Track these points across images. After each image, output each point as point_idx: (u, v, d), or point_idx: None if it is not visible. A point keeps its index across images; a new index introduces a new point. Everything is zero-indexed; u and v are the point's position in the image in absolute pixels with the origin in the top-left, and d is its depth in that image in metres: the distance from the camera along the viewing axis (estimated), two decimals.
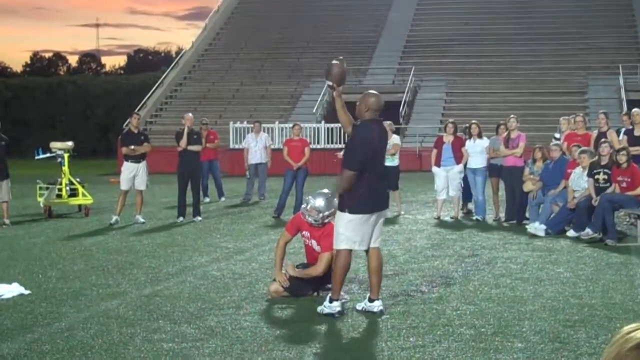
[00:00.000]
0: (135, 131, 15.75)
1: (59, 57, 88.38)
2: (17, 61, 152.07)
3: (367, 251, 7.90)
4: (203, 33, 43.38)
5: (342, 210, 7.72)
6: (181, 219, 15.35)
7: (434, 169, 15.60)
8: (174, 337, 6.91)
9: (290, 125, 21.20)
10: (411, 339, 6.80)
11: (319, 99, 34.08)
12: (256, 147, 19.52)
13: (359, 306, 7.91)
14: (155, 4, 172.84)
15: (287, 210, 15.77)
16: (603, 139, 13.69)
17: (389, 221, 13.65)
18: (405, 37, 40.60)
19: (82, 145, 33.26)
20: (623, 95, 32.05)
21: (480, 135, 15.40)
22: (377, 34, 40.91)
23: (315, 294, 8.60)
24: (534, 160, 14.61)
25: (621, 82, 32.98)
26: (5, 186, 15.11)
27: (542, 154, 14.53)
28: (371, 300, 7.86)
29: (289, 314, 7.88)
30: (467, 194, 15.87)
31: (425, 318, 7.53)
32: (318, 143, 30.64)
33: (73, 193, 16.85)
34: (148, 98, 37.42)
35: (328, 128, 31.64)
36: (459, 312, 7.76)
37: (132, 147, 15.39)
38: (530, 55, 37.20)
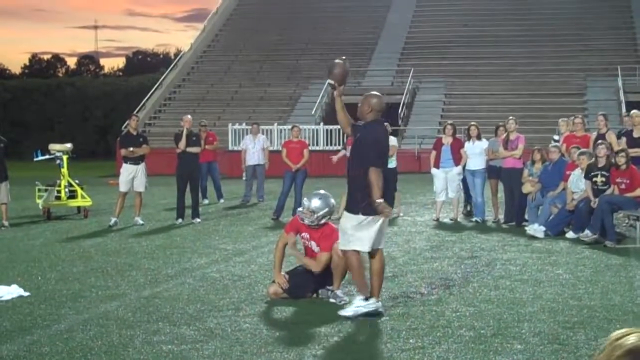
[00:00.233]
0: (134, 133, 15.74)
1: (57, 58, 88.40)
2: (15, 63, 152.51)
3: (369, 253, 7.89)
4: (202, 35, 43.38)
5: (354, 212, 7.66)
6: (180, 220, 15.34)
7: (433, 170, 15.60)
8: (173, 338, 6.91)
9: (289, 127, 21.21)
10: (411, 341, 6.80)
11: (318, 101, 34.08)
12: (254, 149, 19.53)
13: None
14: (153, 5, 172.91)
15: (286, 212, 15.77)
16: (600, 141, 13.68)
17: (388, 223, 13.62)
18: (404, 38, 40.62)
19: (80, 147, 33.28)
20: (622, 97, 32.06)
21: (479, 137, 15.40)
22: (376, 36, 40.93)
23: (315, 295, 8.60)
24: (533, 162, 14.61)
25: (620, 83, 32.99)
26: (4, 188, 15.09)
27: (541, 155, 14.53)
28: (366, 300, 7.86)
29: (289, 316, 7.88)
30: (469, 194, 15.87)
31: (425, 320, 7.53)
32: (317, 145, 30.64)
33: (72, 195, 16.85)
34: (147, 100, 37.41)
35: (327, 130, 31.64)
36: (458, 313, 7.75)
37: (131, 149, 15.38)
38: (529, 57, 37.22)
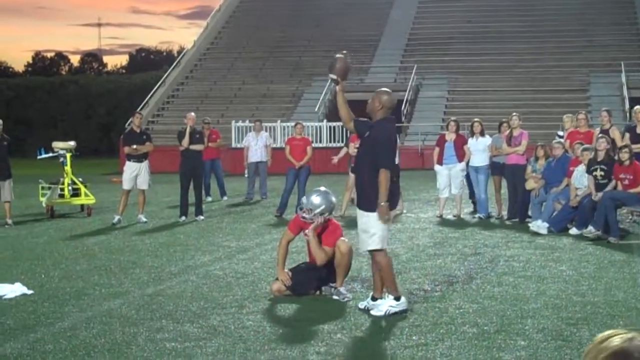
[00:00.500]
0: (138, 130, 15.75)
1: (60, 56, 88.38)
2: (19, 61, 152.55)
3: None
4: (205, 32, 43.38)
5: (371, 209, 7.61)
6: (183, 218, 15.35)
7: (436, 167, 15.58)
8: (176, 336, 6.91)
9: (292, 124, 21.19)
10: (414, 337, 6.80)
11: (321, 98, 34.06)
12: (256, 146, 19.52)
13: (362, 305, 7.91)
14: (157, 3, 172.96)
15: (289, 209, 15.77)
16: (600, 135, 13.65)
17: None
18: (407, 35, 40.58)
19: (84, 144, 33.33)
20: (625, 93, 32.01)
21: (482, 133, 15.38)
22: (379, 32, 40.88)
23: (318, 292, 8.61)
24: (537, 158, 14.59)
25: (623, 79, 32.94)
26: (8, 186, 15.11)
27: (545, 151, 14.51)
28: (374, 299, 7.86)
29: (292, 313, 7.88)
30: (473, 191, 15.86)
31: (428, 316, 7.53)
32: (320, 142, 30.64)
33: (75, 193, 16.86)
34: (150, 97, 37.42)
35: (330, 127, 31.63)
36: (461, 310, 7.75)
37: (135, 146, 15.39)
38: (533, 52, 37.17)
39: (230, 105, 36.29)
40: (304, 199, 8.71)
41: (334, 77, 7.89)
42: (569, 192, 13.34)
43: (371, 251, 7.77)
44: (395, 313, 7.57)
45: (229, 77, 39.44)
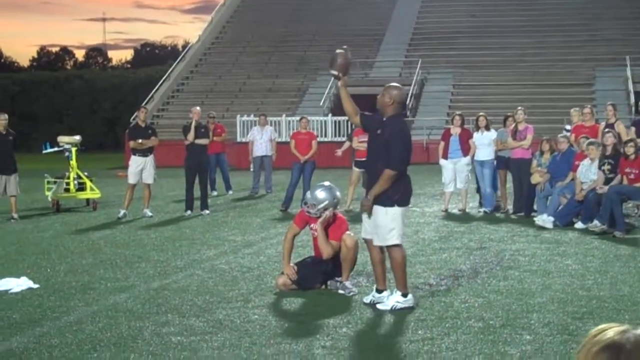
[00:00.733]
0: (143, 125, 15.75)
1: (65, 51, 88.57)
2: (24, 56, 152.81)
3: (368, 242, 7.92)
4: (209, 26, 43.38)
5: (389, 205, 7.61)
6: (189, 212, 15.36)
7: (442, 161, 15.57)
8: (182, 330, 6.92)
9: (298, 118, 21.19)
10: (419, 332, 6.80)
11: (326, 92, 34.04)
12: (261, 140, 19.51)
13: (367, 299, 7.91)
14: None
15: (294, 204, 15.75)
16: (607, 129, 13.62)
17: None
18: (412, 29, 40.54)
19: (89, 139, 33.40)
20: (630, 87, 31.96)
21: (487, 128, 15.35)
22: (384, 27, 40.85)
23: (323, 286, 8.61)
24: (542, 152, 14.57)
25: (629, 73, 32.88)
26: (14, 180, 15.14)
27: (550, 146, 14.49)
28: (379, 291, 7.87)
29: (297, 307, 7.89)
30: (479, 185, 15.84)
31: (434, 311, 7.53)
32: (325, 136, 30.63)
33: (81, 187, 16.90)
34: (155, 92, 37.46)
35: (335, 121, 31.62)
36: (467, 304, 7.75)
37: (140, 140, 15.39)
38: (537, 47, 37.12)
39: (235, 100, 36.30)
40: (308, 194, 8.71)
41: (335, 72, 7.88)
42: (575, 186, 13.33)
43: (389, 247, 7.76)
44: (402, 309, 7.57)
45: (233, 71, 39.44)
